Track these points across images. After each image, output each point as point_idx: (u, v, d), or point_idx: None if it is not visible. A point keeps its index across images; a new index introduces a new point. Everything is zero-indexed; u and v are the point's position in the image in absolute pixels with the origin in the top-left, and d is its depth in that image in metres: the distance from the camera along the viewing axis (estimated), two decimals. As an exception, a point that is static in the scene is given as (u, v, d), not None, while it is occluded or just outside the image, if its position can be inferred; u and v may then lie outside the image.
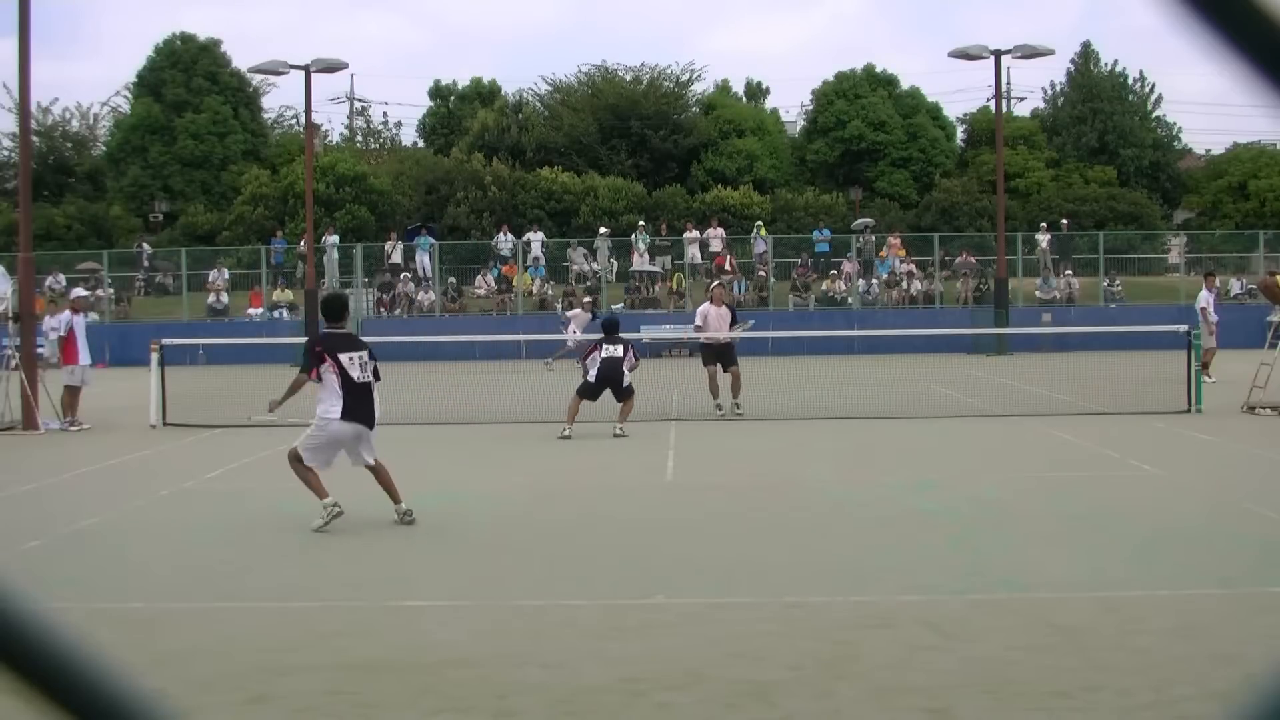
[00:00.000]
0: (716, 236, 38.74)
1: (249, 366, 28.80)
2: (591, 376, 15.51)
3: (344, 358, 9.68)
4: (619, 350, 15.58)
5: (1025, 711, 5.17)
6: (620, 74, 48.94)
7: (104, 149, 49.93)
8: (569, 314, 31.21)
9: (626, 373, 15.53)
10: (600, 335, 16.18)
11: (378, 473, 9.80)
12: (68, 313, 17.94)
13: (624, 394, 15.58)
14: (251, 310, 37.01)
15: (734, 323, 18.15)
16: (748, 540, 8.89)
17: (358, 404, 9.66)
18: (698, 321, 18.22)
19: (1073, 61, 49.92)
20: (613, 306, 36.00)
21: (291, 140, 47.67)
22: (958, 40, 51.07)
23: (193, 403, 18.35)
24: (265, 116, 51.18)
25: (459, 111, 50.98)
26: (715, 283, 21.00)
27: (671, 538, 8.96)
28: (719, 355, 17.70)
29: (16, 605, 0.75)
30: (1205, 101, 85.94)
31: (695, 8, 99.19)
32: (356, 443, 9.78)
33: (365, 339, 10.78)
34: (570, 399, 15.51)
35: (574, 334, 25.64)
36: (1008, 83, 50.99)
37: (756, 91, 53.06)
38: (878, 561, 8.06)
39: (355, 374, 9.64)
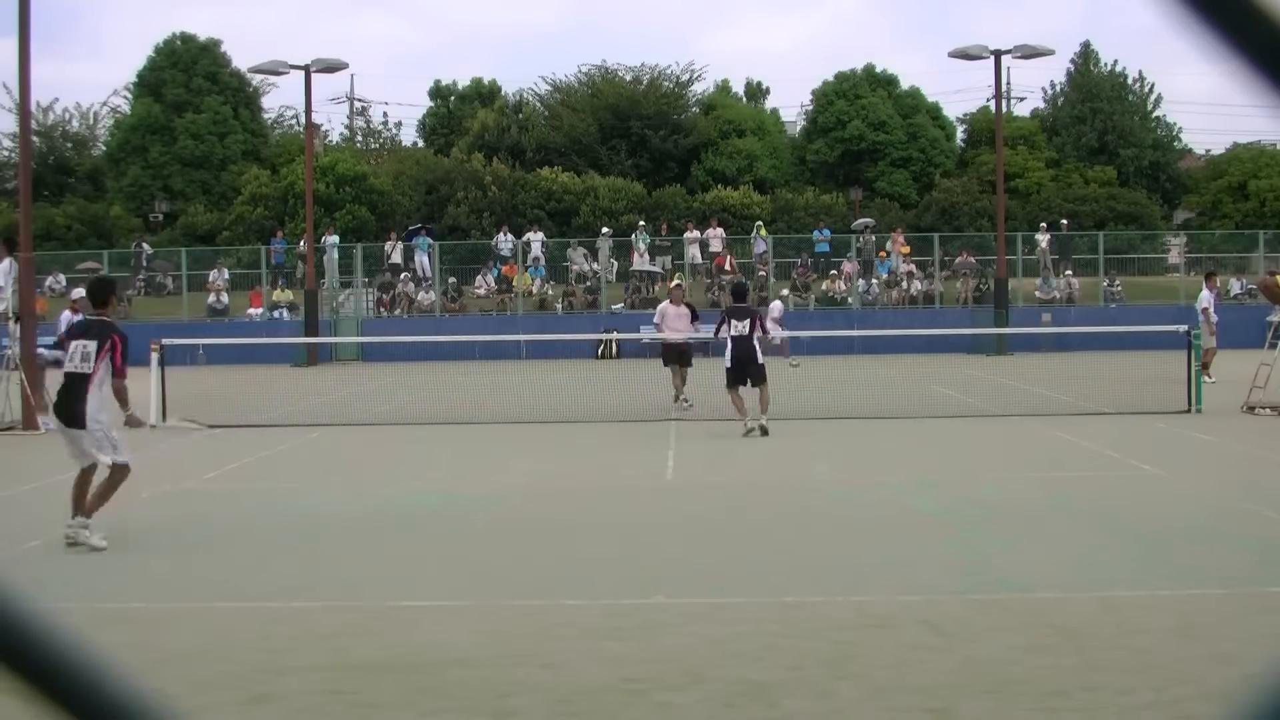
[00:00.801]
0: (716, 236, 38.73)
1: (249, 366, 28.86)
2: (728, 360, 14.94)
3: (72, 345, 8.90)
4: (745, 326, 14.82)
5: (1025, 711, 5.17)
6: (620, 74, 48.96)
7: (104, 149, 49.94)
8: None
9: (758, 349, 14.83)
10: (731, 305, 15.35)
11: (104, 478, 8.76)
12: (67, 312, 17.95)
13: (759, 376, 14.86)
14: (251, 310, 37.01)
15: (694, 319, 18.31)
16: (748, 540, 8.90)
17: (62, 398, 8.87)
18: (656, 319, 18.61)
19: (1073, 61, 49.94)
20: (613, 306, 36.02)
21: (291, 140, 47.68)
22: (958, 40, 51.12)
23: (193, 403, 18.35)
24: (265, 116, 51.20)
25: (459, 111, 50.98)
26: (675, 283, 21.25)
27: (671, 538, 8.96)
28: (679, 355, 18.02)
29: (16, 605, 0.75)
30: (1205, 101, 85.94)
31: (695, 8, 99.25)
32: (69, 441, 8.85)
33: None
34: (730, 396, 15.03)
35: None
36: (1008, 83, 51.02)
37: (756, 91, 53.07)
38: (878, 561, 8.06)
39: (65, 364, 8.88)
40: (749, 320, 14.90)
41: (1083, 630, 6.28)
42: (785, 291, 33.45)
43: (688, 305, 18.49)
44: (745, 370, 14.91)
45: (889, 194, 46.18)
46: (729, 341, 14.91)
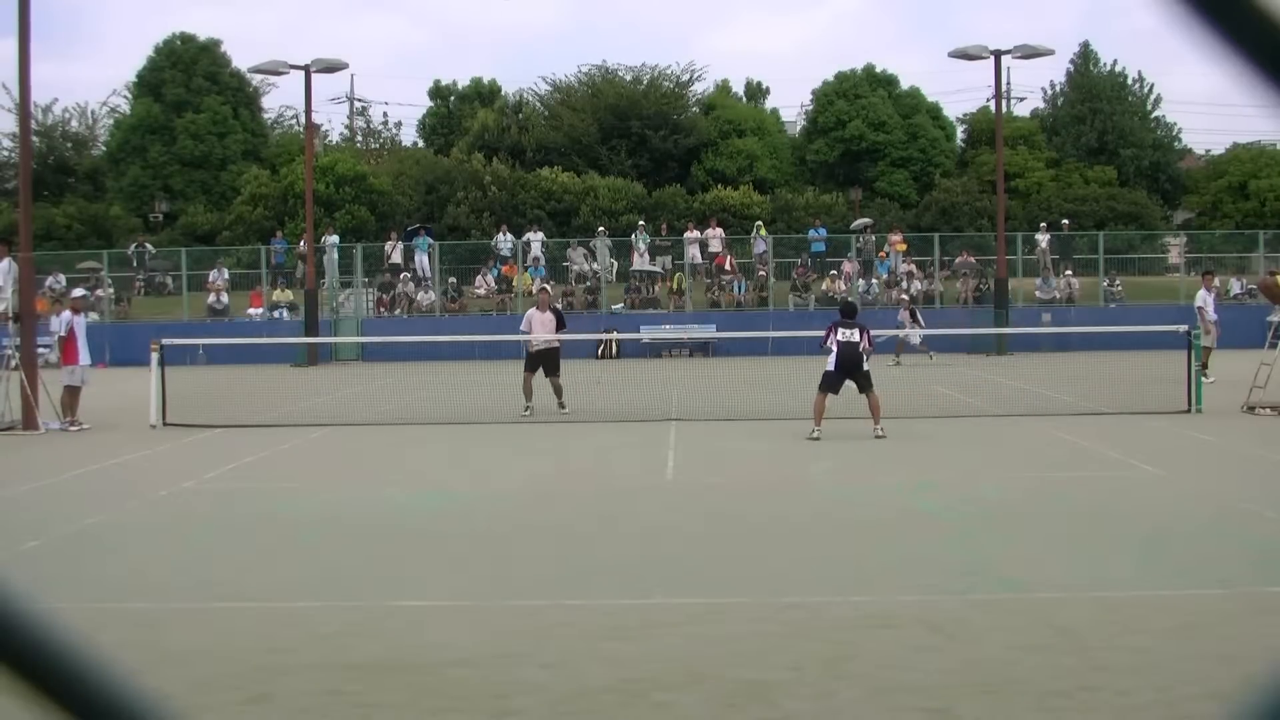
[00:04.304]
0: (716, 237, 38.73)
1: (249, 366, 28.86)
2: (831, 364, 14.77)
3: None
4: (855, 334, 14.75)
5: (1025, 711, 5.17)
6: (620, 74, 48.96)
7: (104, 149, 49.95)
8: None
9: (864, 356, 14.77)
10: (837, 318, 15.27)
11: None
12: (68, 313, 17.94)
13: (865, 383, 14.77)
14: (251, 310, 37.00)
15: (560, 326, 18.05)
16: (748, 540, 8.89)
17: None
18: (523, 326, 18.28)
19: (1072, 61, 49.95)
20: (613, 306, 36.00)
21: (291, 140, 47.68)
22: (958, 40, 51.17)
23: (193, 403, 18.35)
24: (265, 116, 51.22)
25: (459, 111, 51.00)
26: (540, 287, 20.97)
27: (671, 538, 8.96)
28: (542, 360, 17.70)
29: (16, 605, 0.75)
30: (1205, 101, 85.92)
31: (695, 8, 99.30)
32: None
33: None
34: (815, 397, 14.82)
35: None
36: (1008, 83, 51.00)
37: (756, 92, 53.07)
38: (878, 561, 8.06)
39: None
40: (858, 329, 14.83)
41: (1083, 630, 6.28)
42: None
43: (554, 311, 18.29)
44: (849, 375, 14.75)
45: (889, 194, 46.19)
46: (835, 346, 14.73)
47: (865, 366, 14.82)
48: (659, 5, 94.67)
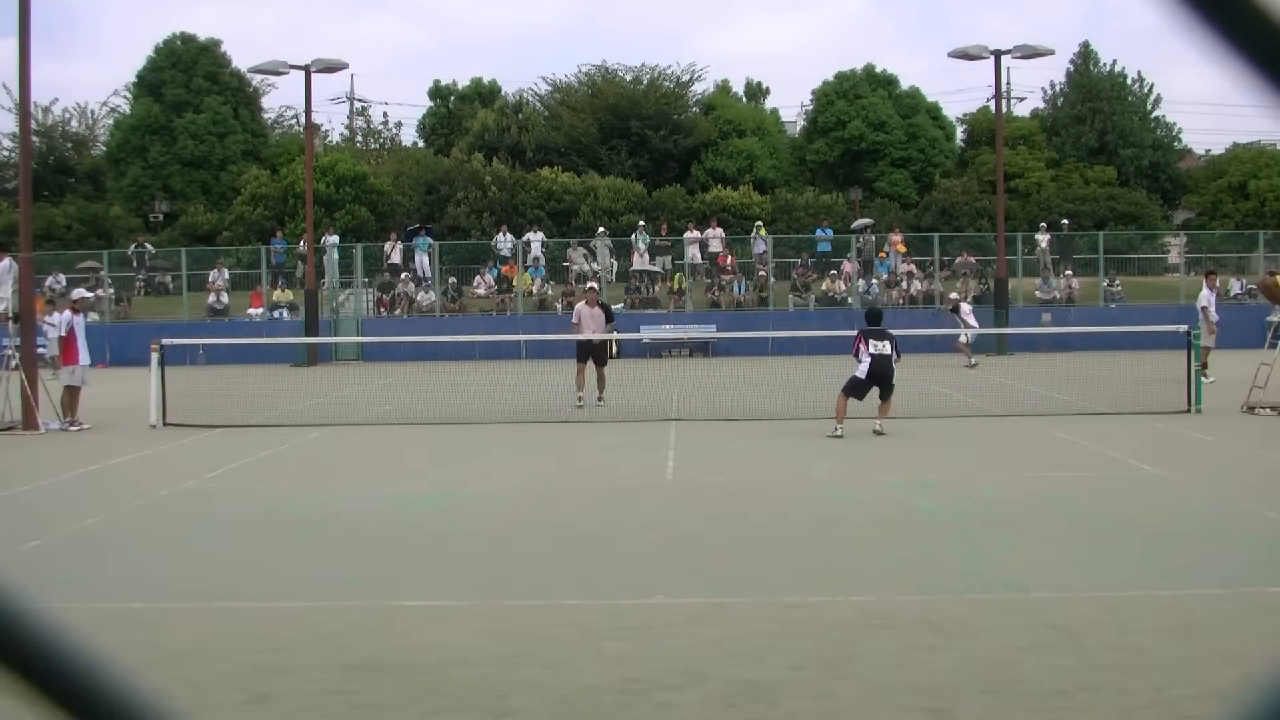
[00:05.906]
0: (716, 237, 38.73)
1: (249, 366, 28.86)
2: (862, 373, 15.00)
3: None
4: (887, 347, 15.06)
5: (1025, 711, 5.17)
6: (620, 74, 48.98)
7: (104, 149, 49.95)
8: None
9: (894, 370, 15.14)
10: (864, 326, 15.58)
11: None
12: (68, 313, 17.94)
13: (889, 392, 15.14)
14: (251, 310, 36.99)
15: (609, 320, 19.05)
16: (748, 540, 8.89)
17: None
18: (574, 320, 19.25)
19: (1072, 62, 49.96)
20: (613, 307, 35.97)
21: (291, 140, 47.68)
22: (958, 40, 51.15)
23: (193, 403, 18.35)
24: (265, 116, 51.22)
25: (459, 111, 51.01)
26: (589, 284, 21.73)
27: (672, 538, 8.96)
28: (592, 353, 18.62)
29: (16, 605, 0.75)
30: (1205, 101, 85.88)
31: (695, 8, 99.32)
32: None
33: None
34: (838, 396, 15.05)
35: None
36: (1007, 83, 51.06)
37: (756, 92, 53.09)
38: (878, 561, 8.06)
39: None
40: (889, 341, 15.10)
41: (1083, 630, 6.28)
42: (954, 295, 33.55)
43: (602, 306, 19.12)
44: (877, 385, 15.06)
45: (889, 194, 46.19)
46: (868, 358, 14.98)
47: (893, 381, 15.15)
48: (659, 5, 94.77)
